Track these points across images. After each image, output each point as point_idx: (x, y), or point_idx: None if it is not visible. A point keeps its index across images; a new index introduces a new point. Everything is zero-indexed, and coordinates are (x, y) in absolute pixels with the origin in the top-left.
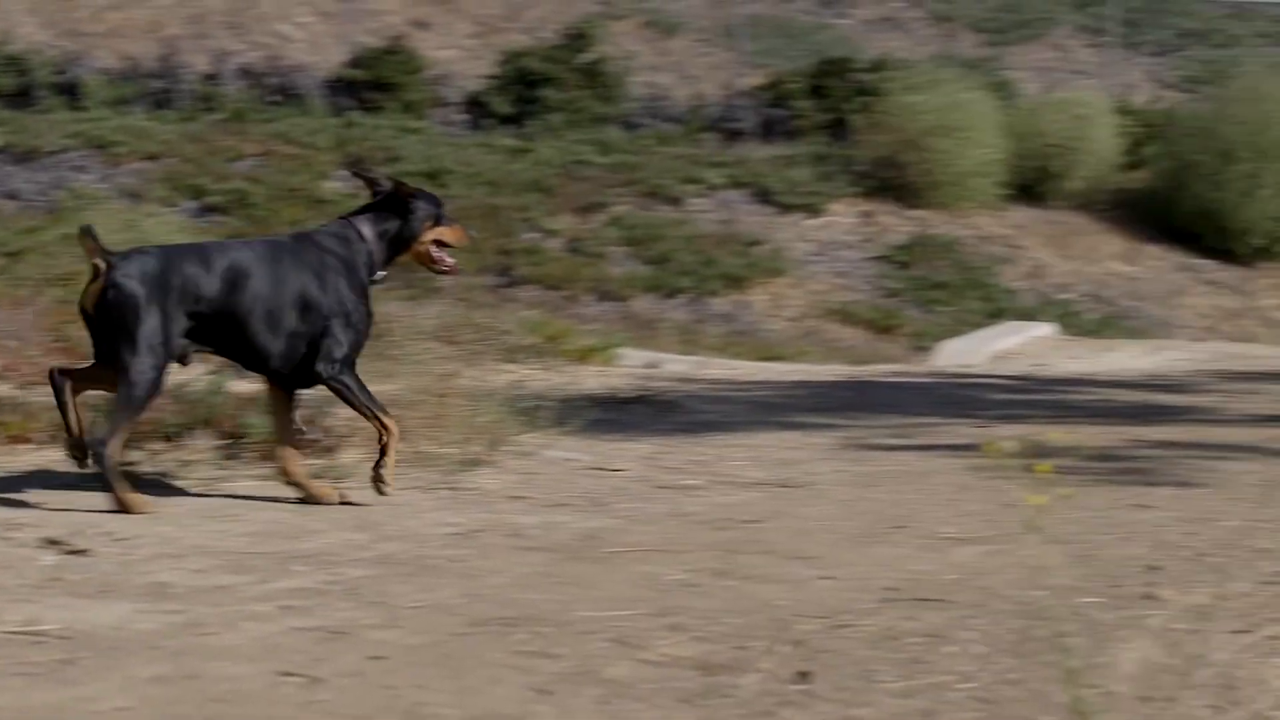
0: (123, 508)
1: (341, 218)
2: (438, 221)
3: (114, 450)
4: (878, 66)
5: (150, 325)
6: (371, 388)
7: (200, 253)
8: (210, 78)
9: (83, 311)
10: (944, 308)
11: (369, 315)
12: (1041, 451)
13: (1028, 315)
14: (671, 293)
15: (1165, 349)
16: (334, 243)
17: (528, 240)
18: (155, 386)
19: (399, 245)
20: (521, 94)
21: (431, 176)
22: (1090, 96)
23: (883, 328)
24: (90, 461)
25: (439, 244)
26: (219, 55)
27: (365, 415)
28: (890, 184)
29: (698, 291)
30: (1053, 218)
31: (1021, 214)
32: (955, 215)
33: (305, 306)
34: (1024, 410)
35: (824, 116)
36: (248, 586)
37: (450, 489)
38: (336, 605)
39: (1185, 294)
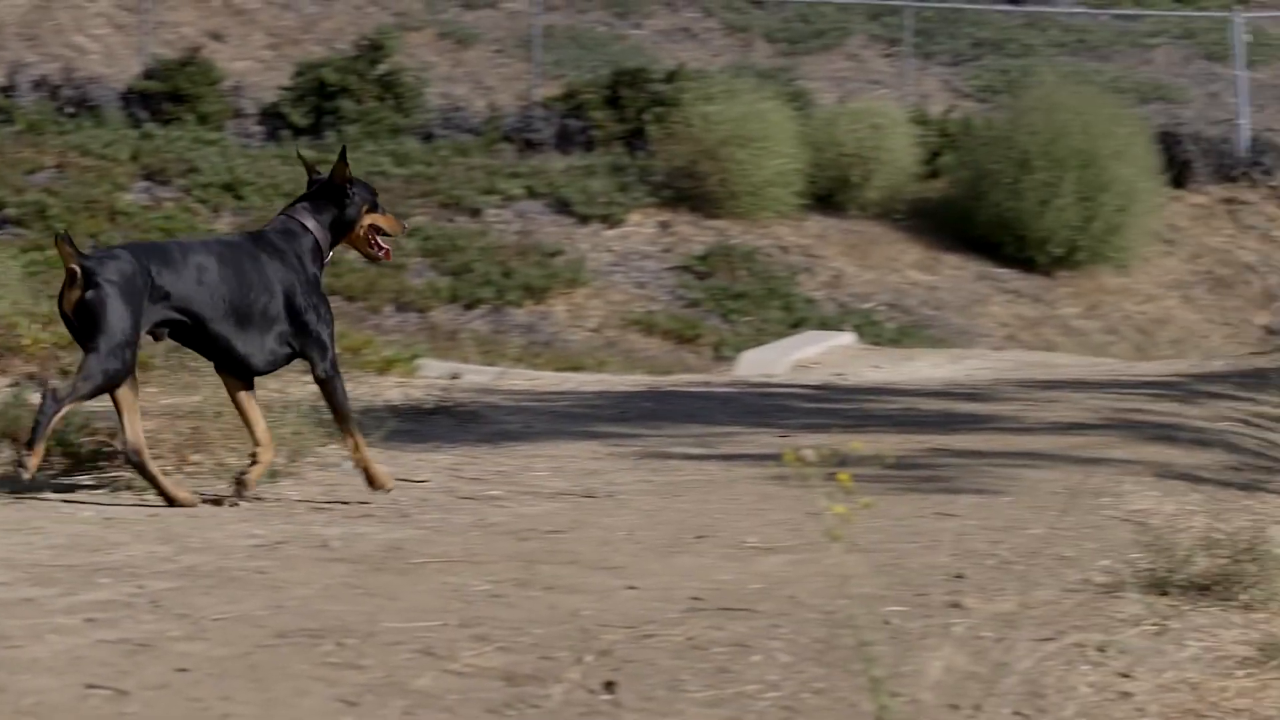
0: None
1: (282, 213)
2: (373, 208)
3: (57, 415)
4: (673, 77)
5: (119, 325)
6: (173, 400)
7: (167, 252)
8: (5, 90)
9: (63, 315)
10: (745, 317)
11: (328, 307)
12: (843, 460)
13: (828, 325)
14: (472, 303)
15: (966, 358)
16: (282, 240)
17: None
18: (111, 381)
19: (339, 231)
20: (318, 105)
21: (229, 188)
22: (886, 106)
23: (683, 338)
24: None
25: (375, 230)
26: (14, 67)
27: (342, 418)
28: (688, 194)
29: (498, 302)
30: (851, 227)
31: (820, 223)
32: (754, 225)
33: (267, 304)
34: (826, 419)
35: (621, 127)
36: (52, 599)
37: (253, 501)
38: (142, 617)
39: (985, 303)
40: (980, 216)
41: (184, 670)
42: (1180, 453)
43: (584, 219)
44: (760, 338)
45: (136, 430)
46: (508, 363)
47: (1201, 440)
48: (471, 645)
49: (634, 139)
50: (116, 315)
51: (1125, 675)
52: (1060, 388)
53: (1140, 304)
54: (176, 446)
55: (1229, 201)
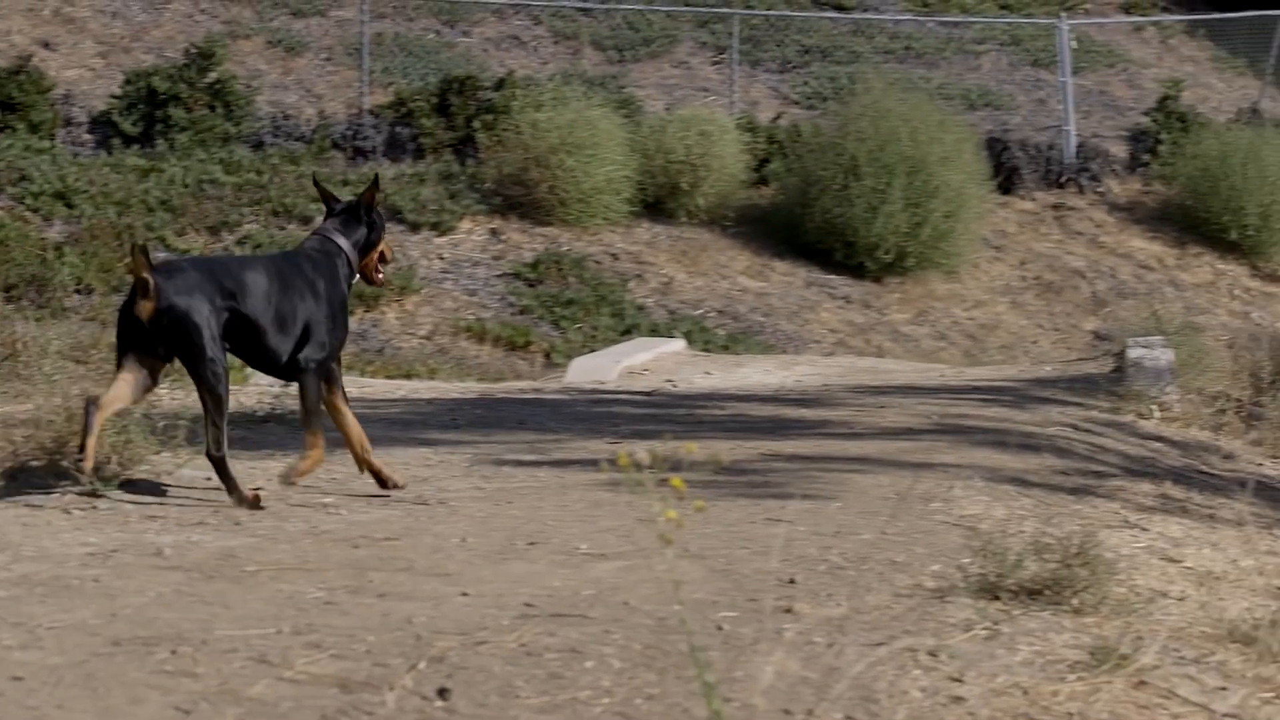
0: (241, 503)
1: (317, 232)
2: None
3: (224, 450)
4: (502, 84)
5: (207, 333)
6: (4, 409)
7: (227, 267)
8: None
9: (132, 320)
10: (575, 324)
11: (346, 325)
12: (675, 466)
13: (659, 331)
14: None
15: (796, 364)
16: (323, 259)
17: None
18: (226, 380)
19: (362, 253)
20: (148, 113)
21: (60, 197)
22: (715, 113)
23: (514, 345)
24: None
25: (382, 256)
26: None
27: (310, 419)
28: (518, 201)
29: None
30: (681, 234)
31: (650, 230)
32: (584, 232)
33: (302, 315)
34: (657, 425)
35: (450, 135)
36: None
37: (87, 508)
38: None
39: (815, 309)
40: (809, 223)
41: (19, 679)
42: (1010, 458)
43: (414, 227)
44: (591, 344)
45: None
46: (339, 370)
47: (1031, 445)
48: (305, 653)
49: (464, 147)
50: (201, 328)
51: (957, 680)
52: (890, 393)
53: (969, 310)
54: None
55: (1057, 208)
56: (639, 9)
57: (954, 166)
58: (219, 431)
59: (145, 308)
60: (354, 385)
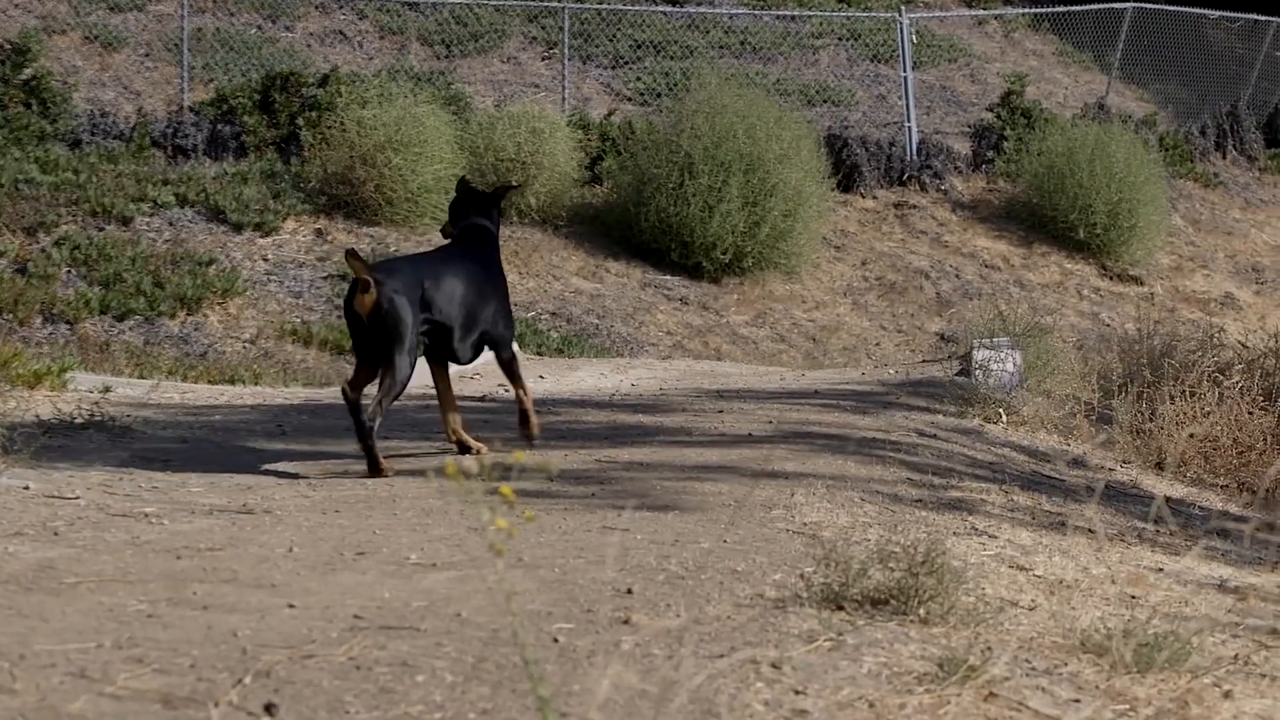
0: (375, 471)
1: (473, 219)
2: None
3: (377, 423)
4: (327, 80)
5: (410, 330)
6: None
7: (428, 265)
8: None
9: (354, 316)
10: None
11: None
12: (506, 473)
13: None
14: (123, 315)
15: (632, 367)
16: (491, 248)
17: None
18: (406, 383)
19: None
20: None
21: None
22: (546, 110)
23: (342, 348)
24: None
25: None
26: None
27: (520, 385)
28: (344, 201)
29: (150, 313)
30: (513, 234)
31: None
32: (412, 232)
33: (486, 307)
34: (489, 432)
35: (273, 132)
36: None
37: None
38: None
39: (651, 311)
40: (644, 223)
41: None
42: (853, 464)
43: (237, 227)
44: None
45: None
46: (161, 375)
47: (875, 451)
48: (127, 667)
49: (287, 145)
50: (408, 324)
51: (800, 692)
52: (728, 397)
53: (810, 311)
54: None
55: (899, 206)
56: (466, 3)
57: (792, 164)
58: (380, 411)
59: (365, 302)
60: (174, 391)
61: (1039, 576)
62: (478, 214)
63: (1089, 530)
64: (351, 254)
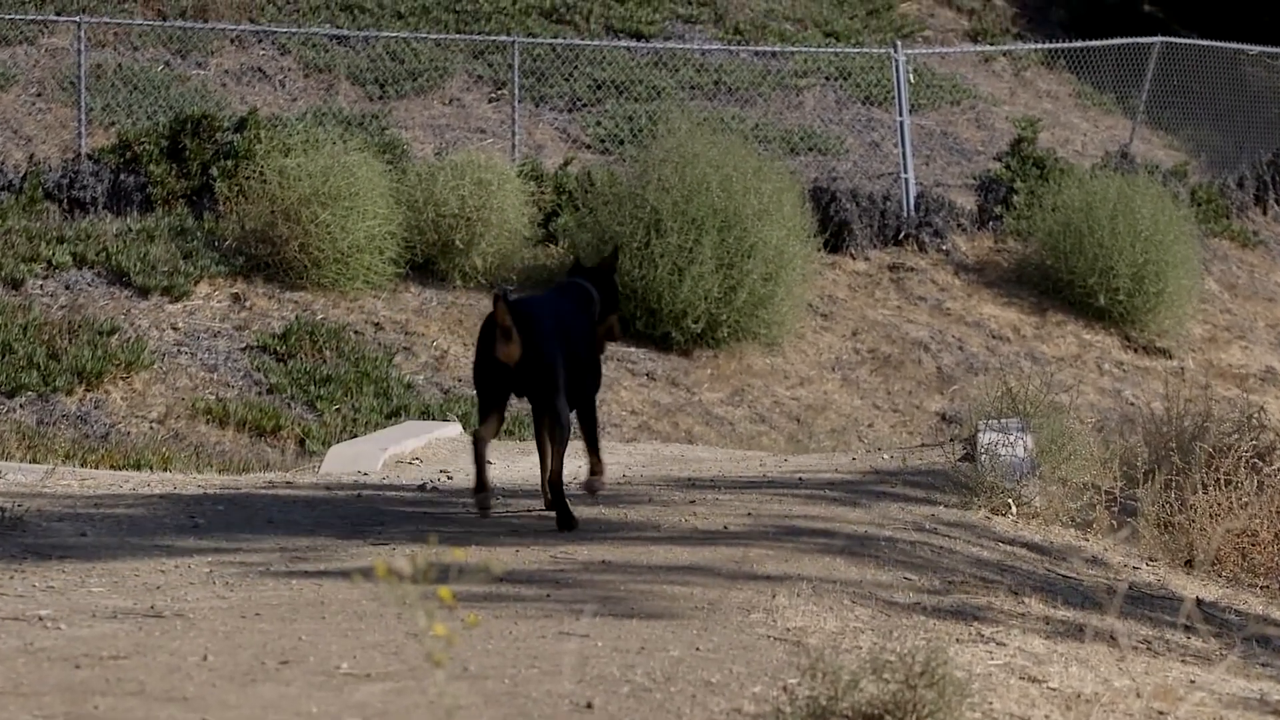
0: (565, 525)
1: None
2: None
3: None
4: (245, 124)
5: (562, 373)
6: None
7: (557, 308)
8: None
9: (496, 364)
10: (333, 406)
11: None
12: (446, 573)
13: (431, 413)
14: (13, 390)
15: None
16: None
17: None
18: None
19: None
20: None
21: None
22: (493, 159)
23: (262, 429)
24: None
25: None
26: None
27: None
28: (264, 262)
29: (45, 389)
30: (456, 299)
31: (419, 296)
32: (342, 298)
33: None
34: (429, 525)
35: (184, 183)
36: None
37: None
38: None
39: (614, 388)
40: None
41: None
42: (842, 562)
43: (143, 291)
44: (352, 429)
45: (559, 463)
46: (57, 460)
47: (867, 548)
48: None
49: (200, 198)
50: (560, 369)
51: None
52: (701, 486)
53: (793, 387)
54: None
55: (894, 268)
56: (403, 36)
57: (773, 221)
58: (561, 460)
59: (510, 353)
60: (72, 478)
61: (1054, 689)
62: (581, 274)
63: (1110, 637)
64: (500, 297)
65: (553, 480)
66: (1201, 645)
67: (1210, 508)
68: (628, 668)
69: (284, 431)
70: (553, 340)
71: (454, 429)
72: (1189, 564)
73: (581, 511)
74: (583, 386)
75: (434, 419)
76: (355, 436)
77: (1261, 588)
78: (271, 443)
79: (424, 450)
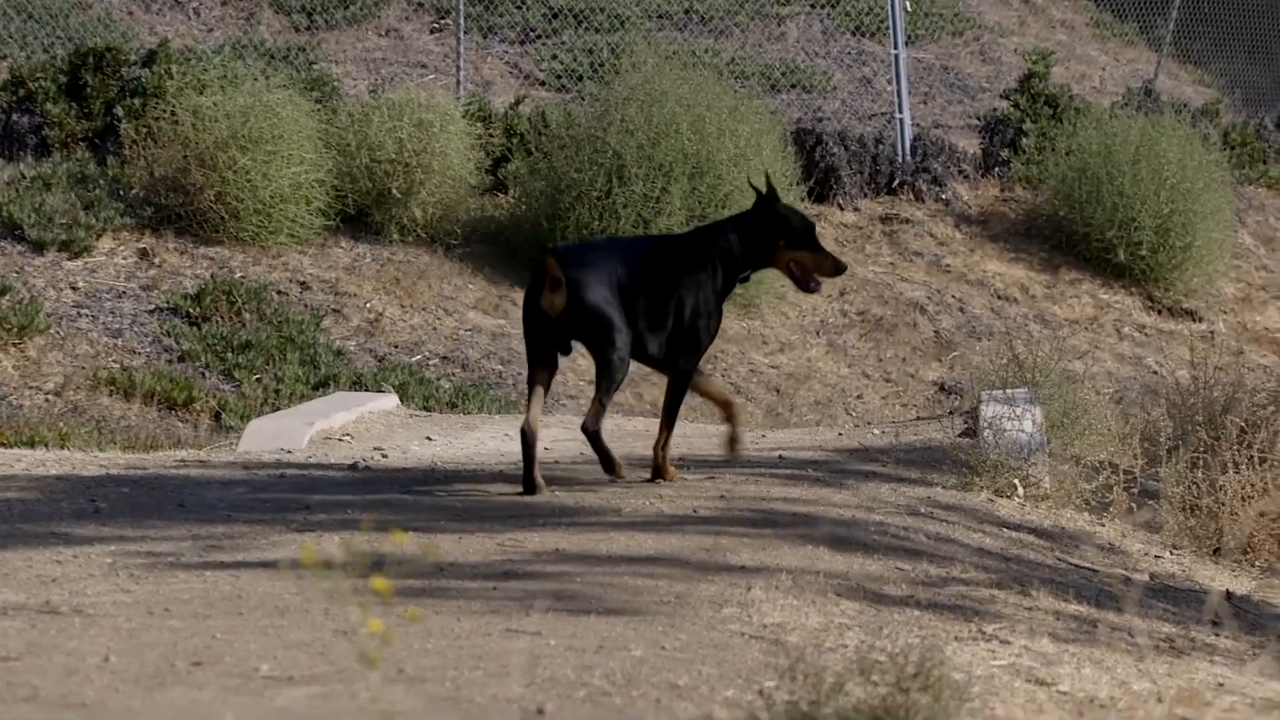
0: (611, 470)
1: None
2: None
3: (599, 426)
4: (154, 59)
5: (619, 320)
6: None
7: (623, 252)
8: None
9: (542, 316)
10: (253, 375)
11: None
12: (380, 563)
13: (364, 384)
14: None
15: (545, 426)
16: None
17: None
18: (627, 367)
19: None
20: None
21: None
22: (435, 97)
23: (173, 401)
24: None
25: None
26: None
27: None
28: (176, 213)
29: None
30: (392, 256)
31: (351, 251)
32: (263, 253)
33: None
34: (362, 510)
35: (85, 125)
36: None
37: None
38: None
39: (572, 356)
40: (562, 238)
41: None
42: (827, 550)
43: (38, 246)
44: (274, 401)
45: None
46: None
47: (854, 534)
48: None
49: (103, 140)
50: (613, 316)
51: None
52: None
53: (772, 354)
54: None
55: (887, 220)
56: None
57: (751, 167)
58: (601, 411)
59: (555, 303)
60: None
61: (1064, 693)
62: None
63: (1128, 635)
64: (549, 252)
65: (583, 426)
66: (1231, 644)
67: (1242, 489)
68: (584, 669)
69: (197, 404)
70: (604, 290)
71: (389, 401)
72: (1217, 552)
73: (520, 493)
74: (672, 348)
75: (367, 390)
76: (278, 409)
77: None
78: (183, 417)
79: (355, 425)
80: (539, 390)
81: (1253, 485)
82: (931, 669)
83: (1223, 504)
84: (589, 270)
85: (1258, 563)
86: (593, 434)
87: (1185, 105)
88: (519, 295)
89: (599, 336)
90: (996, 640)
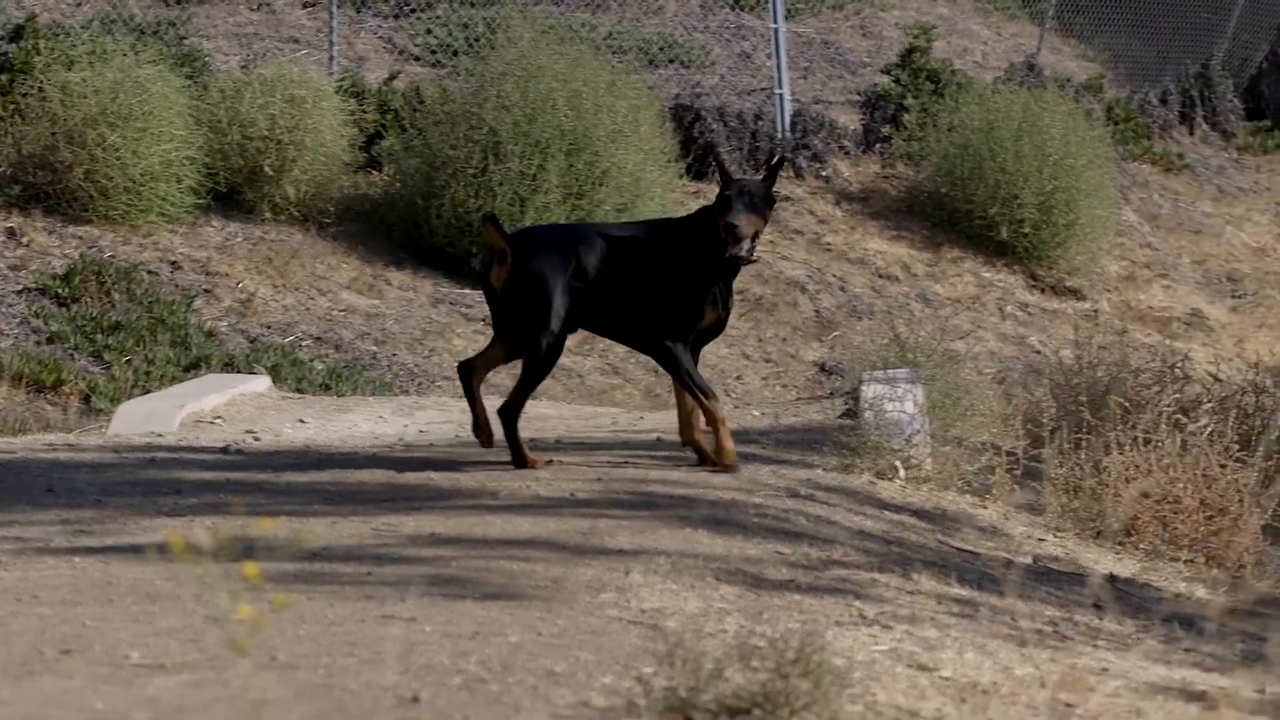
0: (522, 463)
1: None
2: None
3: (516, 415)
4: (21, 34)
5: (556, 302)
6: None
7: (586, 234)
8: None
9: (490, 289)
10: (123, 357)
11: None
12: (250, 547)
13: (236, 366)
14: None
15: (420, 408)
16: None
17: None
18: (555, 357)
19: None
20: None
21: None
22: (308, 72)
23: (40, 384)
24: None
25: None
26: None
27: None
28: (44, 191)
29: None
30: (264, 234)
31: (223, 230)
32: (133, 233)
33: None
34: (233, 494)
35: None
36: None
37: None
38: None
39: (445, 334)
40: (437, 220)
41: None
42: (705, 534)
43: None
44: (145, 384)
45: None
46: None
47: (733, 517)
48: None
49: None
50: (550, 296)
51: None
52: (544, 448)
53: None
54: None
55: None
56: None
57: (629, 143)
58: (521, 396)
59: (499, 274)
60: None
61: (946, 679)
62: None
63: (1011, 619)
64: (487, 220)
65: (500, 410)
66: (1115, 627)
67: (1125, 470)
68: (460, 655)
69: (66, 386)
70: (545, 267)
71: (262, 383)
72: (1100, 534)
73: (407, 477)
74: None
75: (239, 372)
76: (148, 392)
77: (1185, 561)
78: (52, 399)
79: (227, 408)
80: (487, 356)
81: (1137, 466)
82: (812, 654)
83: (1106, 485)
84: (539, 245)
85: (1141, 545)
86: (506, 421)
87: (1068, 80)
88: (393, 275)
89: (527, 315)
90: (878, 625)
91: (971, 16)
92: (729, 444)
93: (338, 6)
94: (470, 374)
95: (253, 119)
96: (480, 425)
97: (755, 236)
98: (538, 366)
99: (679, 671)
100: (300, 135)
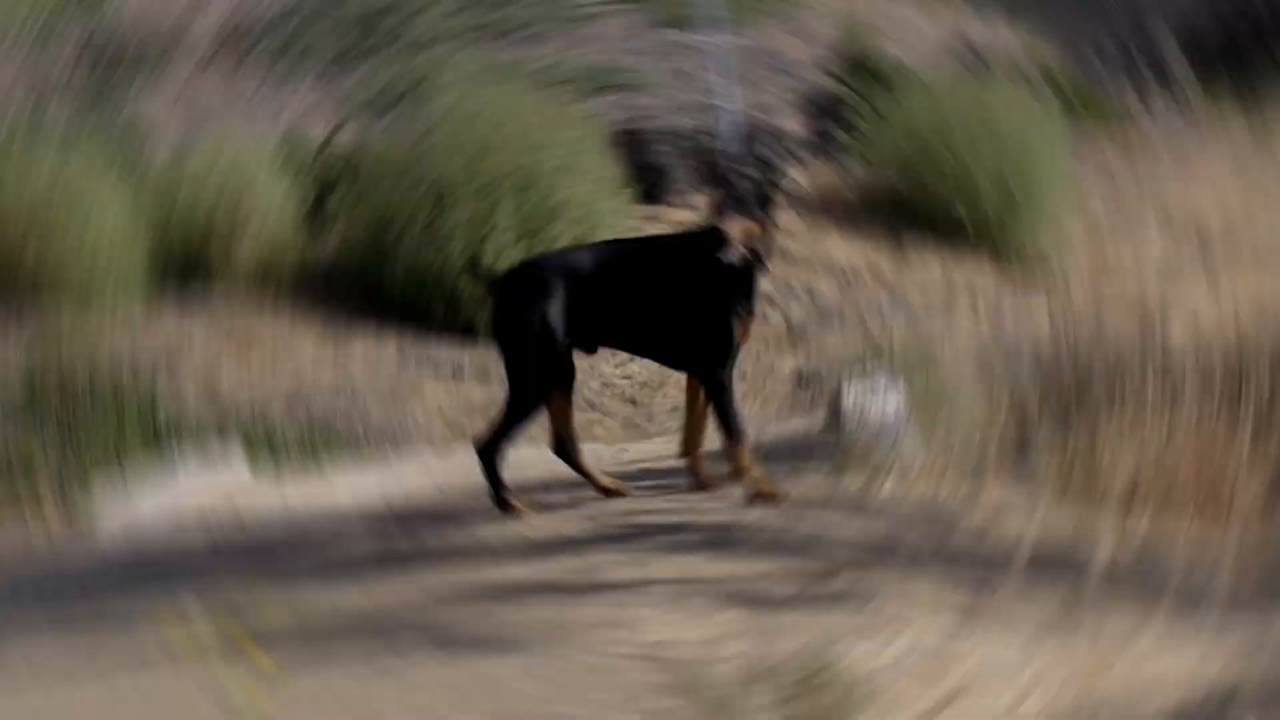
0: (503, 508)
1: None
2: None
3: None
4: None
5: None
6: None
7: (574, 260)
8: None
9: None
10: (87, 450)
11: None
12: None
13: (206, 445)
14: None
15: (401, 468)
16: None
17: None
18: (537, 401)
19: None
20: None
21: None
22: (246, 147)
23: (16, 495)
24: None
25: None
26: None
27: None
28: None
29: None
30: (224, 312)
31: (179, 312)
32: (88, 329)
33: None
34: (226, 575)
35: None
36: None
37: None
38: None
39: (416, 389)
40: (393, 274)
41: None
42: (704, 559)
43: None
44: (121, 483)
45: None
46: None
47: (729, 540)
48: None
49: None
50: (524, 337)
51: None
52: (531, 490)
53: (623, 364)
54: None
55: None
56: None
57: (577, 174)
58: (497, 432)
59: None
60: None
61: (958, 680)
62: None
63: (1019, 612)
64: (469, 264)
65: (479, 449)
66: (1123, 611)
67: (1119, 438)
68: (464, 709)
69: (39, 492)
70: (521, 307)
71: (238, 463)
72: (1099, 506)
73: (395, 539)
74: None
75: (210, 453)
76: (126, 489)
77: (1187, 532)
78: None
79: (206, 489)
80: (555, 417)
81: (1128, 433)
82: (823, 670)
83: (1100, 455)
84: (522, 280)
85: (1142, 517)
86: (481, 453)
87: (1009, 58)
88: (356, 335)
89: (506, 357)
90: (886, 632)
91: (903, 3)
92: (760, 474)
93: (274, 63)
94: (564, 449)
95: (192, 213)
96: (605, 489)
97: (750, 239)
98: (517, 409)
99: (698, 700)
100: (245, 213)
